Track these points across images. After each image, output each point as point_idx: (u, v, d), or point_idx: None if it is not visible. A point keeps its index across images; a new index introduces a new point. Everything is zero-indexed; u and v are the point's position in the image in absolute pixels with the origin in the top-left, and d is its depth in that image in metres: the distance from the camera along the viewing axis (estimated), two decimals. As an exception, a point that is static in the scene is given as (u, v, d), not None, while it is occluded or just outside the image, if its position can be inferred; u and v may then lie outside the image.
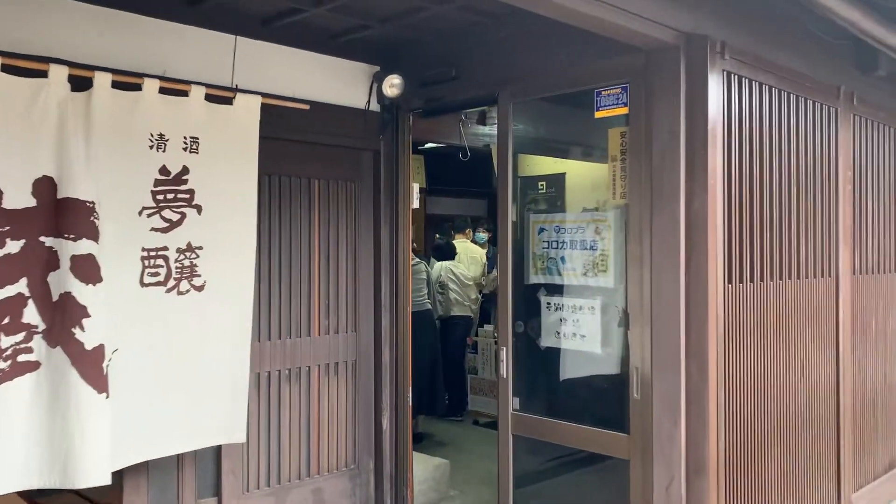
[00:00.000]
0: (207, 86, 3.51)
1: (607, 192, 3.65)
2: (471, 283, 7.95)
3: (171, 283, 3.45)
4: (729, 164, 3.42)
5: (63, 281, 3.05)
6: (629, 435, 3.46)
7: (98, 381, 3.09)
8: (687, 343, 3.32)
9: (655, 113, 3.41)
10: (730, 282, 3.41)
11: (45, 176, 3.02)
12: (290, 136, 4.15)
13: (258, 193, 3.90)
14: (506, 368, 3.98)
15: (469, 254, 7.99)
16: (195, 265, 3.53)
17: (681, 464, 3.31)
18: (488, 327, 7.32)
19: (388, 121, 4.56)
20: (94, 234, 3.09)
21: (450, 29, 4.18)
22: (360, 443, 4.57)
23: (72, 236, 3.04)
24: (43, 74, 3.01)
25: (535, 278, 3.94)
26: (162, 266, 3.42)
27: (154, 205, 3.37)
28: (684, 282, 3.32)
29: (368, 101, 4.47)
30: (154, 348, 3.39)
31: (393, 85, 4.33)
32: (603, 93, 3.61)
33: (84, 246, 3.07)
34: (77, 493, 3.74)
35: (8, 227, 2.93)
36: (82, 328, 3.06)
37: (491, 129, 5.39)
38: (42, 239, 3.02)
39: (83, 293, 3.06)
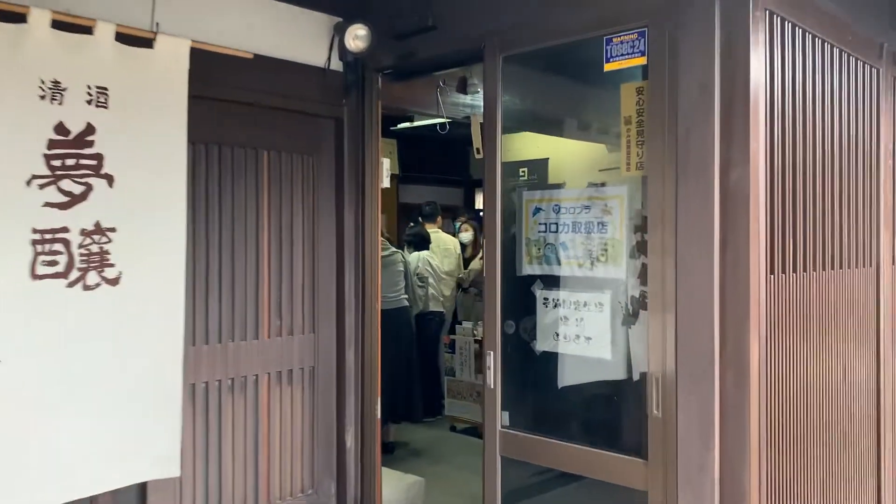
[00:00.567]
0: (120, 24, 2.78)
1: (619, 163, 2.97)
2: (445, 277, 7.27)
3: (75, 274, 2.73)
4: (772, 126, 2.76)
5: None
6: (646, 461, 2.80)
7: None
8: (722, 347, 2.66)
9: (682, 62, 2.74)
10: (772, 272, 2.76)
11: None
12: (231, 97, 3.43)
13: (191, 165, 3.19)
14: (493, 377, 3.30)
15: (442, 245, 7.31)
16: (107, 252, 2.81)
17: (714, 497, 2.66)
18: (467, 325, 6.65)
19: (352, 82, 3.85)
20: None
21: (425, -31, 3.50)
22: (320, 464, 3.87)
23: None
24: None
25: (529, 269, 3.26)
26: (61, 252, 2.69)
27: (48, 173, 2.63)
28: (718, 271, 2.66)
29: (329, 58, 3.76)
30: (51, 360, 2.67)
31: (357, 37, 3.63)
32: (614, 40, 2.94)
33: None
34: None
35: None
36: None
37: (473, 99, 4.71)
38: None
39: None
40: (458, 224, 8.04)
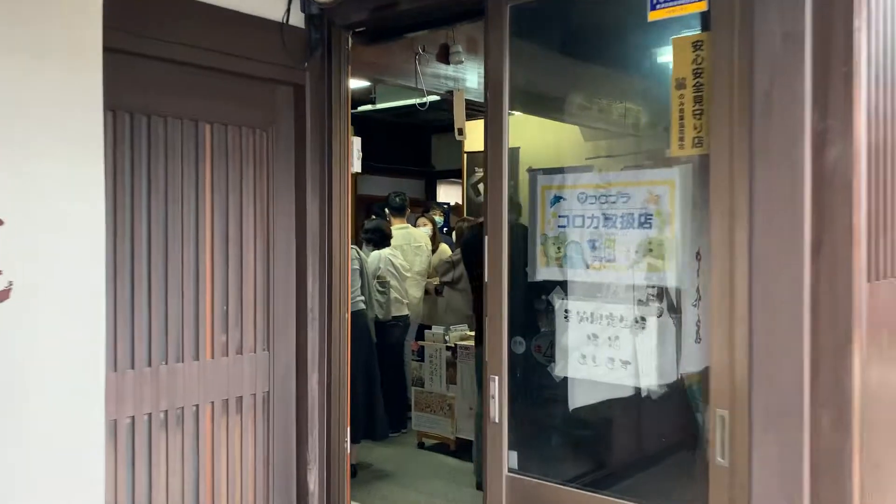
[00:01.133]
0: (3, -61, 2.02)
1: (669, 138, 2.32)
2: (411, 276, 6.57)
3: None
4: (877, 92, 2.15)
5: None
6: (706, 522, 2.17)
7: None
8: (813, 377, 2.04)
9: (759, 4, 2.11)
10: (877, 278, 2.15)
11: None
12: (164, 54, 2.69)
13: (110, 140, 2.45)
14: (498, 408, 2.62)
15: (412, 242, 6.61)
16: (-13, 252, 2.05)
17: (801, 574, 2.04)
18: (437, 329, 5.95)
19: (316, 42, 3.13)
20: None
21: None
22: (276, 510, 3.15)
23: None
24: None
25: (544, 273, 2.59)
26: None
27: None
28: (810, 279, 2.03)
29: (288, 10, 3.03)
30: None
31: (325, -19, 2.92)
32: (663, -21, 2.29)
33: None
34: None
35: None
36: None
37: (456, 70, 4.03)
38: None
39: None
40: (426, 226, 7.33)
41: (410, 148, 9.55)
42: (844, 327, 2.01)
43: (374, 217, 6.83)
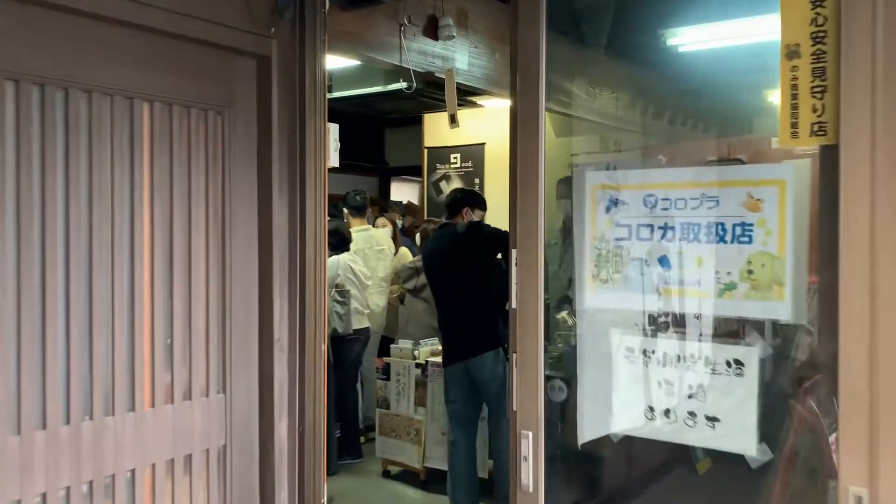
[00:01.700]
0: None
1: (778, 126, 1.75)
2: (374, 283, 5.94)
3: None
4: None
5: None
6: None
7: None
8: None
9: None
10: None
11: None
12: (86, 6, 2.01)
13: (12, 122, 1.78)
14: (532, 473, 2.02)
15: (375, 245, 5.97)
16: None
17: None
18: (404, 344, 5.32)
19: (286, 4, 2.47)
20: None
21: None
22: None
23: None
24: None
25: (596, 298, 1.99)
26: None
27: None
28: None
29: (251, -42, 2.38)
30: None
31: (302, -81, 2.26)
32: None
33: None
34: None
35: None
36: None
37: (445, 47, 3.42)
38: None
39: None
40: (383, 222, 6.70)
41: (363, 142, 8.89)
42: None
43: (330, 218, 6.15)
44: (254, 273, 2.51)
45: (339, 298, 5.31)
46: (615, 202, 1.93)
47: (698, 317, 1.82)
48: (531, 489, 2.02)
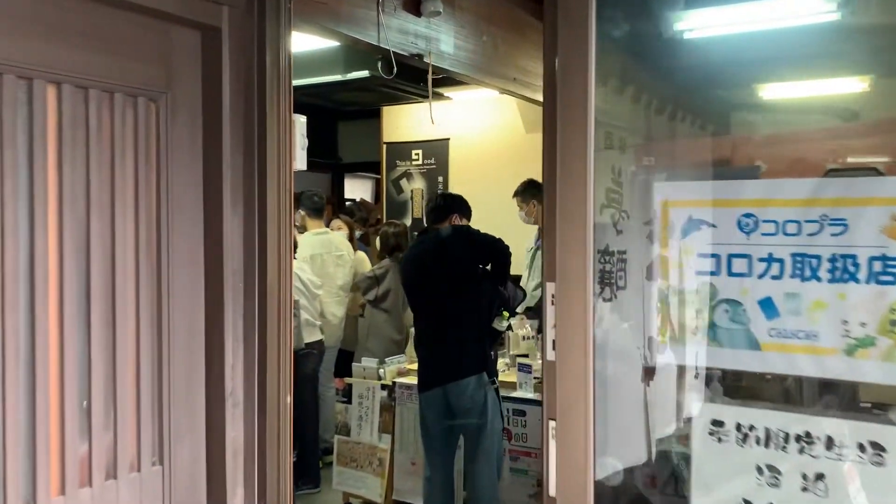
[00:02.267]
0: None
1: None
2: (333, 291, 5.38)
3: None
4: None
5: None
6: None
7: None
8: None
9: None
10: None
11: None
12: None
13: None
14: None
15: (333, 250, 5.41)
16: None
17: None
18: (368, 363, 4.77)
19: (240, -42, 1.92)
20: None
21: None
22: None
23: None
24: None
25: (671, 351, 1.50)
26: None
27: None
28: None
29: None
30: None
31: None
32: None
33: None
34: None
35: None
36: None
37: (429, 27, 2.88)
38: None
39: None
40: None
41: (314, 136, 8.23)
42: None
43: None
44: (199, 305, 1.95)
45: (291, 311, 4.73)
46: (696, 224, 1.44)
47: (818, 382, 1.34)
48: None
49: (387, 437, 4.60)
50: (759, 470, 1.38)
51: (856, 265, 1.30)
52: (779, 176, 1.45)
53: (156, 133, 1.85)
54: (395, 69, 2.72)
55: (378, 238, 5.57)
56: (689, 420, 1.47)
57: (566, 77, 1.57)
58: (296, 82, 5.30)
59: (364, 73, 5.04)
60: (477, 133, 6.66)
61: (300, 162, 2.11)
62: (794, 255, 1.35)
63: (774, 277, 1.37)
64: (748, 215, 1.39)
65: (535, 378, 4.22)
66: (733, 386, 1.43)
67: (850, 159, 1.44)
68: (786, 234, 1.36)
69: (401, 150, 7.01)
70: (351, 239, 5.95)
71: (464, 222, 3.96)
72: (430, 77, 2.74)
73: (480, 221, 4.19)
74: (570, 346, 1.54)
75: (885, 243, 1.28)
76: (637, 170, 1.59)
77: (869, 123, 1.45)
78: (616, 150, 1.65)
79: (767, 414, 1.38)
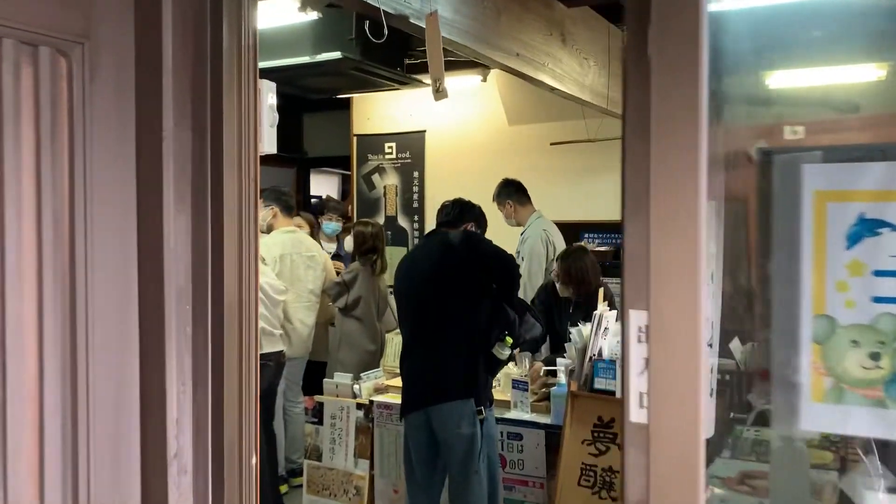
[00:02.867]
0: None
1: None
2: (304, 296, 4.85)
3: None
4: None
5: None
6: None
7: None
8: None
9: None
10: None
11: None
12: None
13: None
14: None
15: (304, 250, 4.88)
16: None
17: None
18: (342, 379, 4.25)
19: None
20: None
21: None
22: None
23: None
24: None
25: (823, 418, 1.02)
26: None
27: None
28: None
29: None
30: None
31: None
32: None
33: None
34: None
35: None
36: None
37: (425, -19, 2.37)
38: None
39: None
40: (332, 221, 5.59)
41: (277, 128, 7.68)
42: None
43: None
44: (130, 337, 1.43)
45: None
46: (871, 226, 0.96)
47: None
48: None
49: (364, 462, 4.09)
50: None
51: None
52: None
53: (67, 97, 1.32)
54: (386, 31, 2.21)
55: (349, 237, 5.05)
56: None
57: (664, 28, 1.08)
58: (260, 65, 4.73)
59: (335, 55, 4.51)
60: (456, 125, 6.17)
61: (268, 143, 1.59)
62: None
63: None
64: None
65: (532, 395, 3.75)
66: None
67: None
68: None
69: (372, 142, 6.49)
70: (312, 235, 5.42)
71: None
72: (434, 41, 2.23)
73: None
74: (671, 404, 1.05)
75: None
76: (775, 152, 1.10)
77: None
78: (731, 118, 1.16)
79: None
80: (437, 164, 6.25)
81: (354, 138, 6.57)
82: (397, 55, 4.97)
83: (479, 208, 3.58)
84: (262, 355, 4.35)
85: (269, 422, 4.72)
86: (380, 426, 4.01)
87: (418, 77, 5.04)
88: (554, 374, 3.82)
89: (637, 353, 1.10)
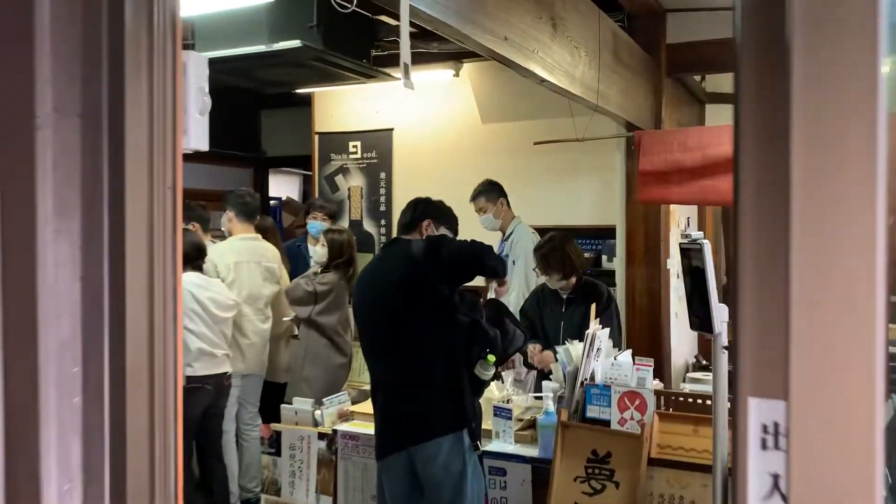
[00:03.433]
0: None
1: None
2: (256, 310, 4.41)
3: None
4: None
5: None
6: None
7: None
8: None
9: None
10: None
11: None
12: None
13: None
14: None
15: (262, 259, 4.44)
16: None
17: None
18: (301, 405, 3.79)
19: None
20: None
21: None
22: None
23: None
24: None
25: None
26: None
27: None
28: None
29: None
30: None
31: None
32: None
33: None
34: None
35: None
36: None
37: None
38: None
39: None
40: (317, 220, 5.16)
41: (233, 124, 7.21)
42: None
43: (190, 226, 4.53)
44: (-11, 414, 0.99)
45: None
46: None
47: None
48: None
49: (326, 498, 3.65)
50: None
51: None
52: None
53: None
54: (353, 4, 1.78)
55: (328, 247, 4.56)
56: None
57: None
58: (209, 54, 4.27)
59: (294, 43, 4.07)
60: (426, 123, 5.76)
61: (197, 137, 1.16)
62: None
63: None
64: None
65: (517, 422, 3.35)
66: None
67: None
68: None
69: (336, 141, 6.04)
70: (277, 245, 4.97)
71: (441, 232, 3.04)
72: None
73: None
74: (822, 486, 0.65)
75: None
76: None
77: None
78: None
79: None
80: (406, 165, 5.84)
81: (316, 137, 6.12)
82: (363, 45, 4.55)
83: (440, 203, 3.14)
84: (197, 378, 3.97)
85: (218, 455, 4.29)
86: (344, 459, 3.57)
87: (386, 70, 4.62)
88: (539, 396, 3.43)
89: (760, 465, 0.70)
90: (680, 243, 2.36)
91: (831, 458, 0.66)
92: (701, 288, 2.31)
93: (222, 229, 4.63)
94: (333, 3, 1.96)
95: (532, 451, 3.21)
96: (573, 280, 3.83)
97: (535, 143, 4.20)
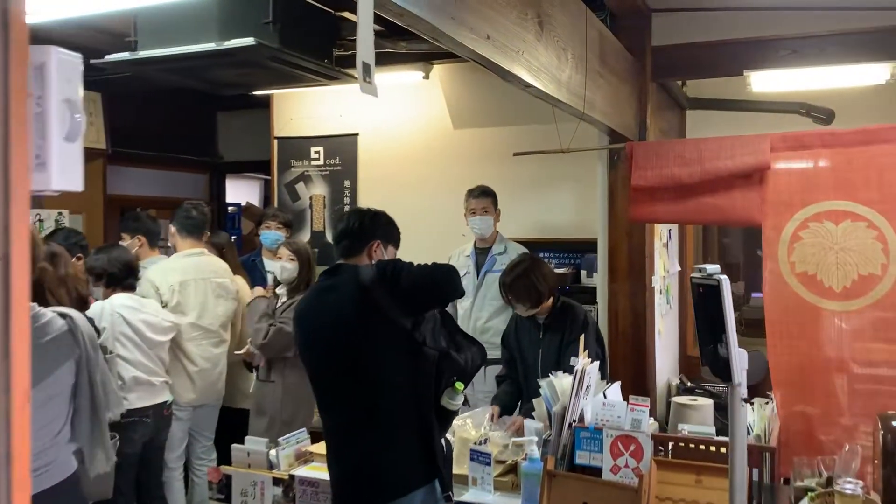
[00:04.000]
0: None
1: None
2: (205, 333, 4.01)
3: None
4: None
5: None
6: None
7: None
8: None
9: None
10: None
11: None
12: None
13: None
14: None
15: (212, 276, 4.04)
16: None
17: None
18: (254, 445, 3.37)
19: None
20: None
21: None
22: None
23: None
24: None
25: None
26: None
27: None
28: None
29: None
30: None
31: None
32: None
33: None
34: None
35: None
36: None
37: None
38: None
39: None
40: (273, 230, 4.74)
41: (187, 128, 6.77)
42: None
43: (128, 239, 4.08)
44: None
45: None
46: None
47: None
48: None
49: (282, 550, 3.26)
50: None
51: None
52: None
53: None
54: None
55: (297, 264, 4.11)
56: None
57: None
58: (156, 53, 3.81)
59: (248, 41, 3.67)
60: (393, 128, 5.39)
61: (63, 172, 0.78)
62: None
63: None
64: None
65: (497, 465, 2.99)
66: None
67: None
68: None
69: (297, 146, 5.64)
70: (232, 259, 4.55)
71: (390, 253, 2.64)
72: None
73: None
74: None
75: None
76: None
77: None
78: None
79: None
80: (372, 173, 5.46)
81: (275, 142, 5.71)
82: (325, 44, 4.15)
83: (384, 216, 2.71)
84: (134, 410, 3.54)
85: (153, 496, 3.89)
86: (303, 506, 3.18)
87: (350, 71, 4.23)
88: (521, 443, 3.08)
89: None
90: (692, 277, 2.03)
91: None
92: (717, 330, 1.98)
93: (169, 244, 4.23)
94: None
95: (513, 501, 2.85)
96: (548, 303, 3.50)
97: (515, 154, 3.85)
